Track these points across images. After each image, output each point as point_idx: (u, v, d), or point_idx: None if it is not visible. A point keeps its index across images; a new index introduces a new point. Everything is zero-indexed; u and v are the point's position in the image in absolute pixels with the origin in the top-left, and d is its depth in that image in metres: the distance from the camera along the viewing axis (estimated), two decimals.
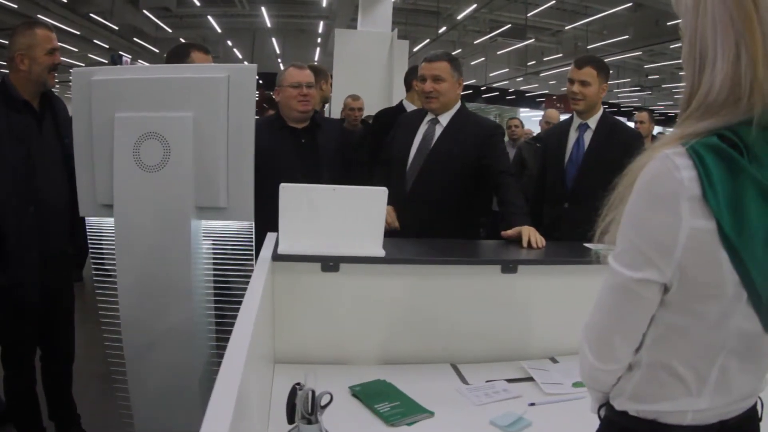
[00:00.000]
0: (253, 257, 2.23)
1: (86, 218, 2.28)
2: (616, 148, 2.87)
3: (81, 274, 4.97)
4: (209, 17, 18.90)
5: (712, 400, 1.04)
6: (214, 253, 2.31)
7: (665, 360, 1.05)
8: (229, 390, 1.03)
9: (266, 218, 2.20)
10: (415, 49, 16.98)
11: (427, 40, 18.72)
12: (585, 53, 11.60)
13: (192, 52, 2.65)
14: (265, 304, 1.78)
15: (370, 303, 2.19)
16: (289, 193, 2.07)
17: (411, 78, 4.13)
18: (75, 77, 2.18)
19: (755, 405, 1.13)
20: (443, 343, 2.22)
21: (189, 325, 2.21)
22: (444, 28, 18.51)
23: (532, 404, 1.90)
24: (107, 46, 19.81)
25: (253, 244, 2.27)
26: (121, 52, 14.99)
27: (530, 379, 2.08)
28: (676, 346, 1.04)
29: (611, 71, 3.33)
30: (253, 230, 2.27)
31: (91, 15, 17.03)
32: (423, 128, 2.96)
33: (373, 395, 1.90)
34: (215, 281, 2.32)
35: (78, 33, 17.36)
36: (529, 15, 16.18)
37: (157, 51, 20.43)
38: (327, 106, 5.94)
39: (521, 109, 26.93)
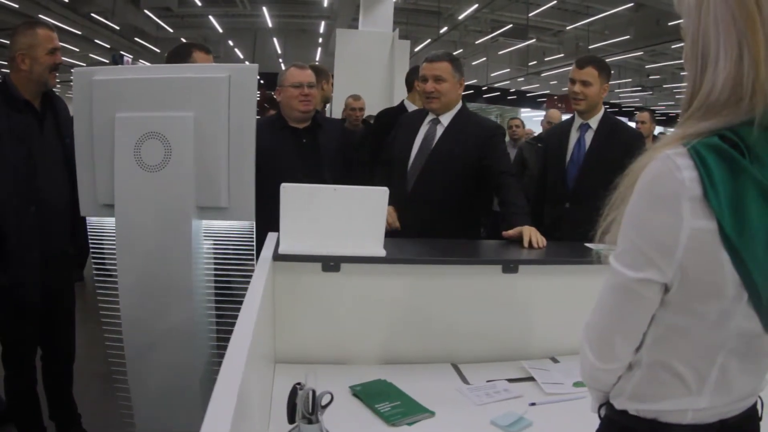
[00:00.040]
0: (254, 257, 2.23)
1: (87, 218, 2.28)
2: (617, 148, 2.87)
3: (82, 273, 4.96)
4: (210, 17, 18.91)
5: (712, 399, 1.04)
6: (215, 253, 2.31)
7: (665, 359, 1.05)
8: (230, 390, 1.03)
9: (267, 218, 2.20)
10: (417, 49, 16.98)
11: (429, 40, 18.72)
12: (586, 53, 11.60)
13: (193, 52, 2.65)
14: (266, 304, 1.78)
15: (371, 303, 2.19)
16: (290, 193, 2.07)
17: (412, 78, 4.13)
18: (76, 77, 2.18)
19: (755, 404, 1.13)
20: (444, 342, 2.22)
21: (190, 325, 2.21)
22: (445, 28, 18.51)
23: (533, 404, 1.90)
24: (108, 46, 19.81)
25: (254, 244, 2.27)
26: (122, 52, 15.03)
27: (531, 378, 2.08)
28: (676, 345, 1.04)
29: (612, 71, 3.33)
30: (254, 230, 2.27)
31: (93, 15, 17.05)
32: (424, 128, 2.96)
33: (373, 395, 1.90)
34: (216, 281, 2.32)
35: (79, 33, 17.36)
36: (530, 15, 16.18)
37: (158, 51, 20.44)
38: (328, 106, 5.93)
39: (522, 109, 26.92)
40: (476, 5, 15.61)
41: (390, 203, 2.17)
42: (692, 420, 1.05)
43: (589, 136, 3.14)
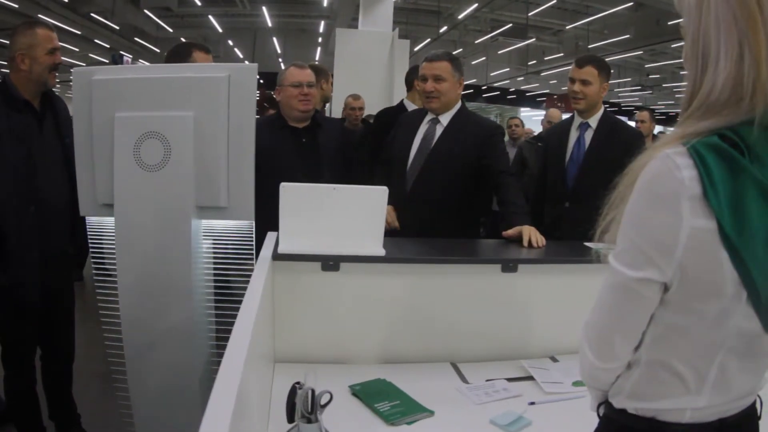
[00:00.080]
0: (254, 256, 2.23)
1: (86, 218, 2.28)
2: (617, 148, 2.87)
3: (81, 273, 4.97)
4: (210, 17, 18.90)
5: (710, 398, 1.04)
6: (215, 253, 2.31)
7: (665, 358, 1.05)
8: (229, 389, 1.03)
9: (267, 218, 2.20)
10: (416, 49, 16.97)
11: (428, 40, 18.71)
12: (586, 53, 11.61)
13: (193, 52, 2.65)
14: (266, 303, 1.78)
15: (371, 302, 2.19)
16: (290, 193, 2.07)
17: (412, 77, 4.13)
18: (75, 77, 2.18)
19: (754, 403, 1.13)
20: (443, 342, 2.22)
21: (189, 325, 2.21)
22: (445, 28, 18.51)
23: (532, 403, 1.90)
24: (108, 46, 19.81)
25: (254, 243, 2.27)
26: (122, 52, 14.99)
27: (530, 378, 2.08)
28: (675, 344, 1.04)
29: (612, 71, 3.33)
30: (254, 230, 2.27)
31: (92, 15, 17.05)
32: (423, 128, 2.96)
33: (373, 394, 1.90)
34: (215, 281, 2.32)
35: (79, 33, 17.36)
36: (530, 14, 16.18)
37: (158, 51, 20.44)
38: (328, 105, 5.93)
39: (522, 109, 26.92)
40: (476, 5, 15.61)
41: (389, 203, 2.17)
42: (691, 419, 1.05)
43: (588, 135, 3.15)
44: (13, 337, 2.64)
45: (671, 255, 0.96)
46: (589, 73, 3.06)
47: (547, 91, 25.96)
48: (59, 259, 2.70)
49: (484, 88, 25.28)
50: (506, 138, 6.30)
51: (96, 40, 19.08)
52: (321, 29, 20.98)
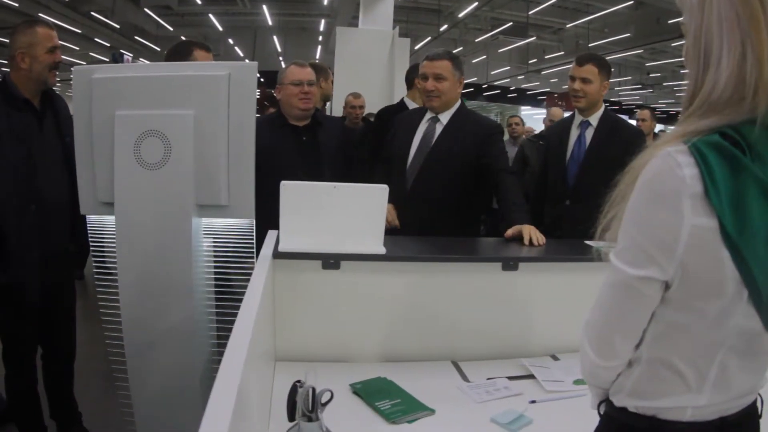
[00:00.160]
0: (254, 255, 2.23)
1: (87, 216, 2.28)
2: (618, 146, 2.87)
3: (82, 272, 4.97)
4: (210, 15, 18.89)
5: (711, 396, 1.04)
6: (215, 251, 2.31)
7: (665, 356, 1.05)
8: (229, 388, 1.03)
9: (267, 216, 2.20)
10: (417, 47, 16.96)
11: (429, 38, 18.71)
12: (586, 51, 11.60)
13: (194, 50, 2.65)
14: (266, 301, 1.78)
15: (371, 300, 2.18)
16: (290, 191, 2.07)
17: (412, 76, 4.13)
18: (75, 75, 2.18)
19: (755, 402, 1.13)
20: (444, 340, 2.22)
21: (190, 323, 2.21)
22: (445, 26, 18.50)
23: (533, 402, 1.90)
24: (108, 45, 19.80)
25: (254, 241, 2.27)
26: (122, 51, 14.98)
27: (531, 376, 2.08)
28: (676, 342, 1.04)
29: (612, 69, 3.33)
30: (254, 228, 2.27)
31: (93, 13, 17.05)
32: (423, 126, 2.96)
33: (373, 393, 1.90)
34: (216, 279, 2.33)
35: (79, 31, 17.36)
36: (530, 13, 16.17)
37: (158, 49, 20.42)
38: (329, 104, 5.93)
39: (523, 107, 26.90)
40: (476, 3, 15.63)
41: (389, 201, 2.17)
42: (691, 417, 1.05)
43: (589, 134, 3.15)
44: (13, 336, 2.64)
45: (672, 253, 0.96)
46: (590, 72, 3.06)
47: (548, 89, 25.95)
48: (60, 258, 2.70)
49: (484, 86, 25.27)
50: (506, 137, 6.30)
51: (96, 39, 19.07)
52: (321, 28, 20.96)
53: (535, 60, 22.28)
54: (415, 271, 2.20)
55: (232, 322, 1.38)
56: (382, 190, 2.11)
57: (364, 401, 1.86)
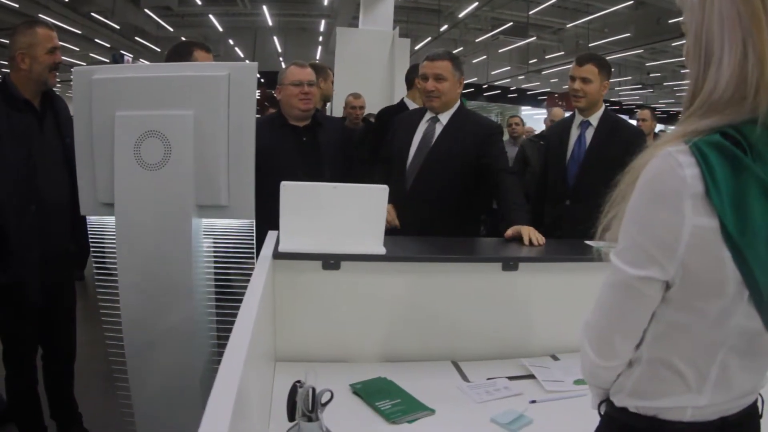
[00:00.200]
0: (254, 255, 2.23)
1: (87, 217, 2.28)
2: (618, 146, 2.87)
3: (83, 273, 4.97)
4: (210, 16, 18.89)
5: (712, 396, 1.04)
6: (215, 252, 2.31)
7: (666, 356, 1.05)
8: (229, 388, 1.03)
9: (267, 216, 2.20)
10: (417, 48, 16.96)
11: (429, 39, 18.71)
12: (586, 51, 11.60)
13: (194, 51, 2.65)
14: (266, 302, 1.78)
15: (371, 301, 2.18)
16: (290, 191, 2.07)
17: (412, 76, 4.13)
18: (75, 76, 2.18)
19: (756, 402, 1.13)
20: (444, 340, 2.22)
21: (190, 324, 2.21)
22: (445, 27, 18.51)
23: (533, 402, 1.90)
24: (109, 45, 19.81)
25: (254, 242, 2.27)
26: (122, 51, 15.00)
27: (531, 376, 2.08)
28: (676, 342, 1.04)
29: (612, 69, 3.33)
30: (254, 228, 2.27)
31: (93, 14, 17.05)
32: (423, 127, 2.97)
33: (374, 393, 1.90)
34: (216, 280, 2.33)
35: (79, 32, 17.36)
36: (530, 13, 16.18)
37: (158, 50, 20.42)
38: (329, 105, 5.93)
39: (523, 107, 26.91)
40: (476, 3, 15.63)
41: (389, 201, 2.17)
42: (692, 417, 1.05)
43: (589, 134, 3.15)
44: (14, 337, 2.64)
45: (673, 253, 0.95)
46: (590, 71, 3.06)
47: (548, 89, 25.95)
48: (60, 259, 2.70)
49: (485, 86, 25.27)
50: (506, 137, 6.29)
51: (96, 40, 19.08)
52: (321, 28, 20.97)
53: (535, 60, 22.29)
54: (415, 272, 2.20)
55: (232, 323, 1.37)
56: (382, 191, 2.11)
57: (364, 401, 1.86)
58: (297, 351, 2.14)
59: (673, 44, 16.43)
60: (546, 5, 15.77)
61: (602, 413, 1.17)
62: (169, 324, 2.20)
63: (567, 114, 4.27)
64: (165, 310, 2.20)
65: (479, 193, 2.96)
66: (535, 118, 18.65)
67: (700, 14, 0.97)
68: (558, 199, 3.21)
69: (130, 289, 2.20)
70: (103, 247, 2.27)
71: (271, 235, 2.24)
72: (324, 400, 1.48)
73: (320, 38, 22.44)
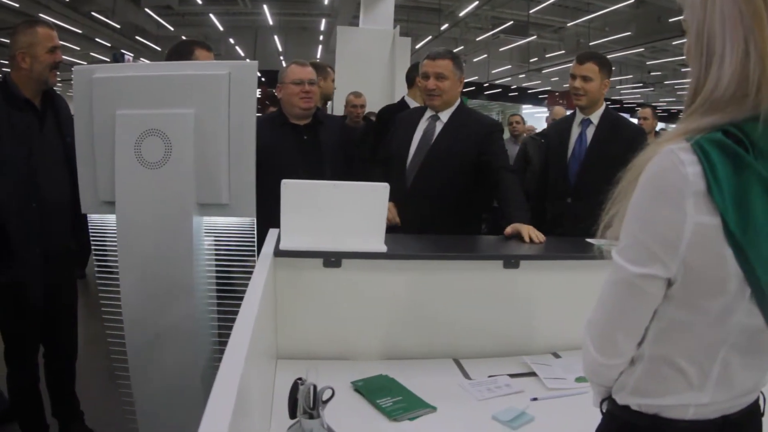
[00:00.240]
0: (255, 253, 2.23)
1: (88, 215, 2.29)
2: (619, 144, 2.87)
3: (84, 271, 4.98)
4: (211, 15, 18.89)
5: (714, 394, 1.04)
6: (216, 250, 2.31)
7: (668, 354, 1.04)
8: (230, 386, 1.03)
9: (268, 215, 2.20)
10: (417, 46, 16.96)
11: (429, 37, 18.71)
12: (587, 50, 11.59)
13: (195, 50, 2.65)
14: (267, 300, 1.78)
15: (372, 298, 2.18)
16: (291, 190, 2.07)
17: (413, 74, 4.14)
18: (76, 75, 2.18)
19: (758, 400, 1.13)
20: (445, 338, 2.22)
21: (191, 322, 2.21)
22: (446, 25, 18.50)
23: (535, 399, 1.90)
24: (109, 45, 19.81)
25: (255, 240, 2.27)
26: (123, 51, 15.01)
27: (533, 374, 2.08)
28: (678, 340, 1.03)
29: (613, 68, 3.33)
30: (255, 226, 2.27)
31: (93, 13, 17.05)
32: (423, 125, 2.97)
33: (375, 390, 1.90)
34: (217, 278, 2.33)
35: (80, 31, 17.37)
36: (531, 12, 16.16)
37: (159, 49, 20.43)
38: (330, 103, 5.93)
39: (524, 106, 26.89)
40: (477, 2, 15.61)
41: (389, 199, 2.17)
42: (694, 416, 1.05)
43: (590, 132, 3.14)
44: (15, 335, 2.64)
45: (675, 251, 0.95)
46: (590, 70, 3.06)
47: (549, 88, 25.94)
48: (61, 257, 2.70)
49: (485, 85, 25.25)
50: (507, 135, 6.30)
51: (97, 39, 19.08)
52: (322, 27, 20.97)
53: (536, 59, 22.27)
54: (417, 269, 2.20)
55: (234, 321, 1.38)
56: (383, 189, 2.11)
57: (366, 399, 1.86)
58: (298, 348, 2.14)
59: (674, 43, 16.42)
60: (546, 4, 15.75)
61: (604, 411, 1.17)
62: (171, 322, 2.21)
63: (569, 113, 4.27)
64: (166, 308, 2.20)
65: (480, 191, 2.96)
66: (536, 117, 18.67)
67: (702, 12, 0.97)
68: (559, 197, 3.21)
69: (132, 287, 2.20)
70: (104, 246, 2.27)
71: (272, 233, 2.24)
72: (325, 397, 1.48)
73: (321, 37, 22.44)
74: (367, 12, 8.98)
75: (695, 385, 1.04)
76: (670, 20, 13.85)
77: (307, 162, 2.93)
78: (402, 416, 1.76)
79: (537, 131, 7.44)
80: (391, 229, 2.61)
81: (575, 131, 3.19)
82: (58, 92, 2.72)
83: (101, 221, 2.28)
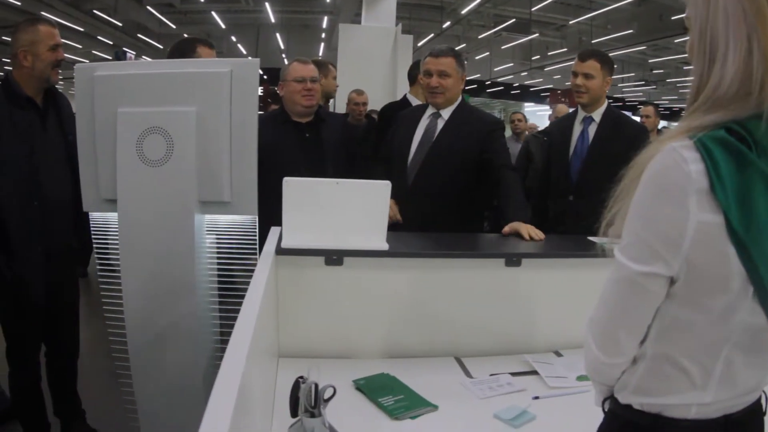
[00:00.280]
0: (257, 251, 2.23)
1: (90, 213, 2.28)
2: (621, 142, 2.86)
3: (86, 269, 4.98)
4: (213, 13, 18.91)
5: (716, 393, 1.04)
6: (218, 248, 2.31)
7: (670, 353, 1.04)
8: (231, 384, 1.02)
9: (270, 212, 2.20)
10: (420, 44, 16.98)
11: (432, 35, 18.72)
12: (589, 48, 11.58)
13: (198, 47, 2.65)
14: (269, 298, 1.78)
15: (374, 297, 2.18)
16: (293, 187, 2.06)
17: (415, 72, 4.13)
18: (78, 73, 2.18)
19: (759, 399, 1.12)
20: (447, 336, 2.22)
21: (193, 320, 2.21)
22: (448, 23, 18.49)
23: (536, 398, 1.90)
24: (111, 43, 19.83)
25: (257, 238, 2.27)
26: (125, 49, 15.01)
27: (534, 372, 2.07)
28: (680, 339, 1.03)
29: (615, 66, 3.32)
30: (257, 224, 2.27)
31: (95, 11, 17.06)
32: (425, 122, 2.97)
33: (377, 389, 1.90)
34: (219, 276, 2.33)
35: (82, 29, 17.38)
36: (533, 9, 16.14)
37: (161, 47, 20.45)
38: (332, 101, 5.92)
39: (526, 104, 26.87)
40: (479, 0, 15.58)
41: (391, 197, 2.17)
42: (696, 415, 1.05)
43: (592, 129, 3.14)
44: (17, 334, 2.64)
45: (678, 249, 0.95)
46: (592, 67, 3.05)
47: (551, 86, 25.92)
48: (63, 255, 2.71)
49: (487, 83, 25.24)
50: (509, 133, 6.29)
51: (99, 37, 19.10)
52: (324, 25, 20.97)
53: (538, 57, 22.26)
54: (418, 267, 2.20)
55: (235, 319, 1.37)
56: (384, 186, 2.11)
57: (367, 397, 1.86)
58: (300, 347, 2.14)
59: (676, 41, 16.41)
60: (549, 2, 15.75)
61: (606, 410, 1.17)
62: (172, 320, 2.21)
63: (571, 111, 4.27)
64: (168, 307, 2.20)
65: (481, 189, 2.95)
66: (538, 115, 18.63)
67: (705, 10, 0.97)
68: (561, 195, 3.20)
69: (133, 285, 2.20)
70: (106, 244, 2.27)
71: (273, 231, 2.24)
72: (327, 396, 1.47)
73: (323, 35, 22.45)
74: (369, 9, 8.98)
75: (698, 385, 1.03)
76: (673, 18, 13.85)
77: (309, 160, 2.93)
78: (403, 415, 1.76)
79: (539, 129, 7.43)
80: (392, 226, 2.60)
81: (577, 129, 3.18)
82: (59, 90, 2.72)
83: (103, 219, 2.28)
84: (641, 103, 18.77)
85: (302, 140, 3.01)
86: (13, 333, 2.64)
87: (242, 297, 1.55)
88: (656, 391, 1.07)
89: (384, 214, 2.14)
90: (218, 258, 2.32)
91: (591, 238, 2.38)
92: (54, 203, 2.60)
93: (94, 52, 20.05)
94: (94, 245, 2.31)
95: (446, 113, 2.93)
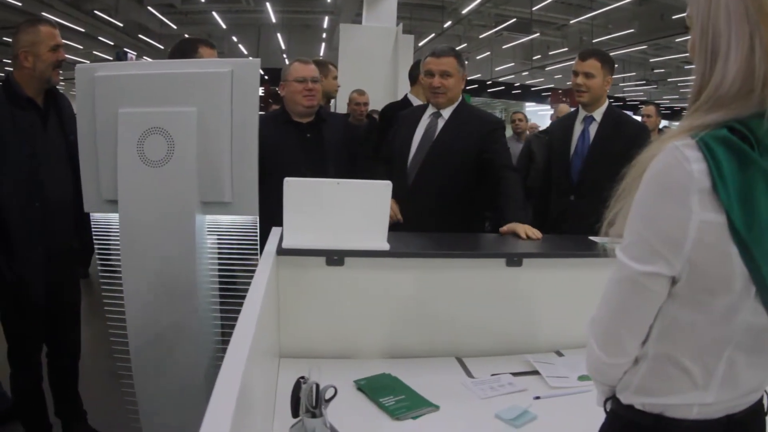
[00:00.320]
0: (258, 252, 2.23)
1: (91, 214, 2.29)
2: (622, 141, 2.86)
3: (87, 270, 4.98)
4: (214, 13, 18.93)
5: (718, 393, 1.03)
6: (219, 248, 2.31)
7: (672, 353, 1.04)
8: (232, 384, 1.02)
9: (271, 213, 2.20)
10: (421, 44, 16.98)
11: (433, 35, 18.72)
12: (590, 47, 11.58)
13: (199, 48, 2.65)
14: (270, 298, 1.78)
15: (375, 297, 2.18)
16: (294, 188, 2.06)
17: (416, 72, 4.12)
18: (78, 73, 2.18)
19: (761, 399, 1.12)
20: (448, 336, 2.22)
21: (194, 321, 2.21)
22: (449, 23, 18.49)
23: (538, 398, 1.90)
24: (112, 43, 19.85)
25: (258, 238, 2.27)
26: (125, 49, 15.02)
27: (535, 372, 2.07)
28: (682, 339, 1.03)
29: (616, 65, 3.32)
30: (258, 225, 2.27)
31: (96, 12, 17.07)
32: (425, 122, 2.97)
33: (378, 389, 1.90)
34: (220, 276, 2.32)
35: (83, 30, 17.39)
36: (534, 9, 16.14)
37: (161, 48, 20.47)
38: (333, 101, 5.92)
39: (527, 104, 26.86)
40: (479, 0, 15.58)
41: (391, 197, 2.16)
42: (698, 415, 1.04)
43: (593, 129, 3.13)
44: (18, 334, 2.64)
45: (680, 249, 0.95)
46: (593, 66, 3.04)
47: (552, 85, 25.91)
48: (64, 256, 2.71)
49: (488, 83, 25.23)
50: (510, 133, 6.29)
51: (100, 38, 19.11)
52: (325, 25, 20.98)
53: (539, 56, 22.26)
54: (419, 267, 2.20)
55: (236, 319, 1.37)
56: (385, 186, 2.10)
57: (368, 397, 1.86)
58: (301, 347, 2.14)
59: (678, 40, 16.38)
60: (549, 1, 15.75)
61: (608, 410, 1.17)
62: (174, 320, 2.21)
63: (572, 110, 4.27)
64: (169, 307, 2.20)
65: (481, 189, 2.95)
66: (539, 114, 18.66)
67: (706, 9, 0.96)
68: (562, 195, 3.20)
69: (134, 285, 2.20)
70: (107, 244, 2.27)
71: (274, 232, 2.24)
72: (328, 396, 1.47)
73: (324, 35, 22.45)
74: (370, 9, 8.98)
75: (700, 385, 1.03)
76: (674, 17, 13.86)
77: (310, 160, 2.93)
78: (405, 415, 1.76)
79: (540, 128, 7.42)
80: (392, 226, 2.60)
81: (578, 128, 3.18)
82: (60, 91, 2.72)
83: (104, 220, 2.28)
84: (642, 102, 18.76)
85: (303, 140, 3.01)
86: (15, 333, 2.64)
87: (243, 297, 1.55)
88: (658, 391, 1.06)
89: (385, 214, 2.14)
90: (219, 258, 2.32)
91: (592, 238, 2.38)
92: (55, 204, 2.60)
93: (94, 52, 20.07)
94: (95, 246, 2.31)
95: (446, 113, 2.93)
